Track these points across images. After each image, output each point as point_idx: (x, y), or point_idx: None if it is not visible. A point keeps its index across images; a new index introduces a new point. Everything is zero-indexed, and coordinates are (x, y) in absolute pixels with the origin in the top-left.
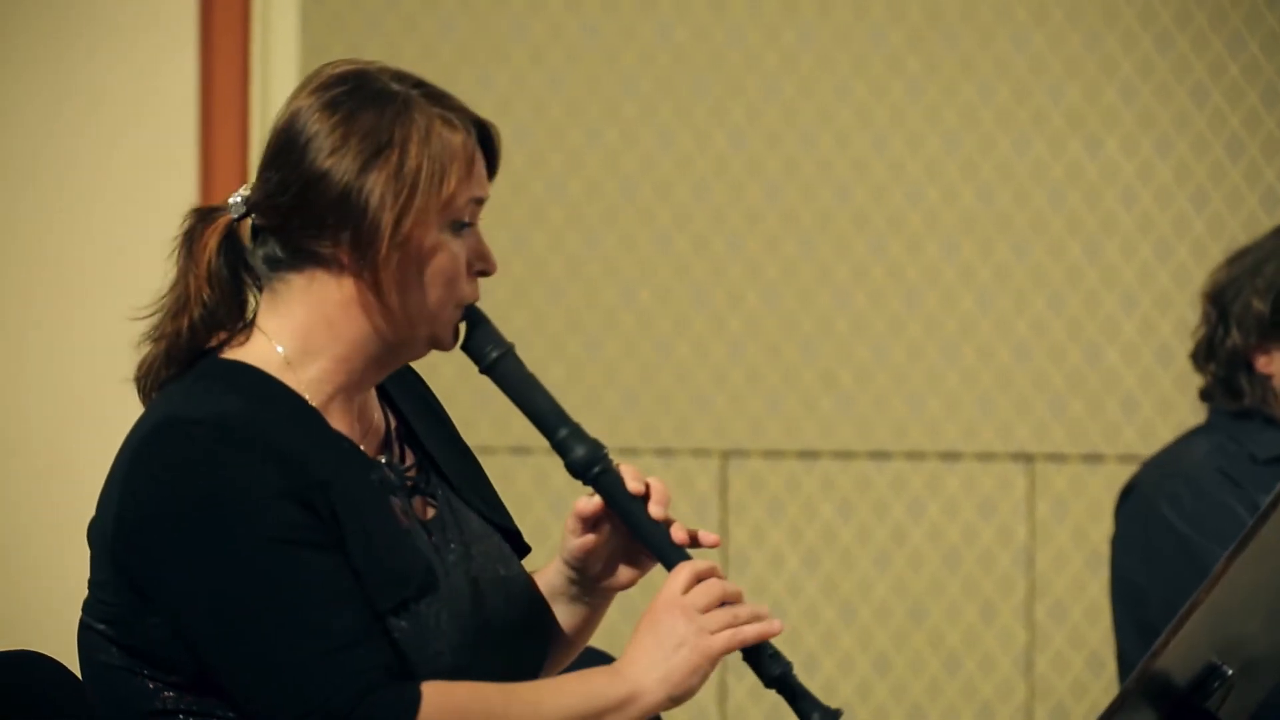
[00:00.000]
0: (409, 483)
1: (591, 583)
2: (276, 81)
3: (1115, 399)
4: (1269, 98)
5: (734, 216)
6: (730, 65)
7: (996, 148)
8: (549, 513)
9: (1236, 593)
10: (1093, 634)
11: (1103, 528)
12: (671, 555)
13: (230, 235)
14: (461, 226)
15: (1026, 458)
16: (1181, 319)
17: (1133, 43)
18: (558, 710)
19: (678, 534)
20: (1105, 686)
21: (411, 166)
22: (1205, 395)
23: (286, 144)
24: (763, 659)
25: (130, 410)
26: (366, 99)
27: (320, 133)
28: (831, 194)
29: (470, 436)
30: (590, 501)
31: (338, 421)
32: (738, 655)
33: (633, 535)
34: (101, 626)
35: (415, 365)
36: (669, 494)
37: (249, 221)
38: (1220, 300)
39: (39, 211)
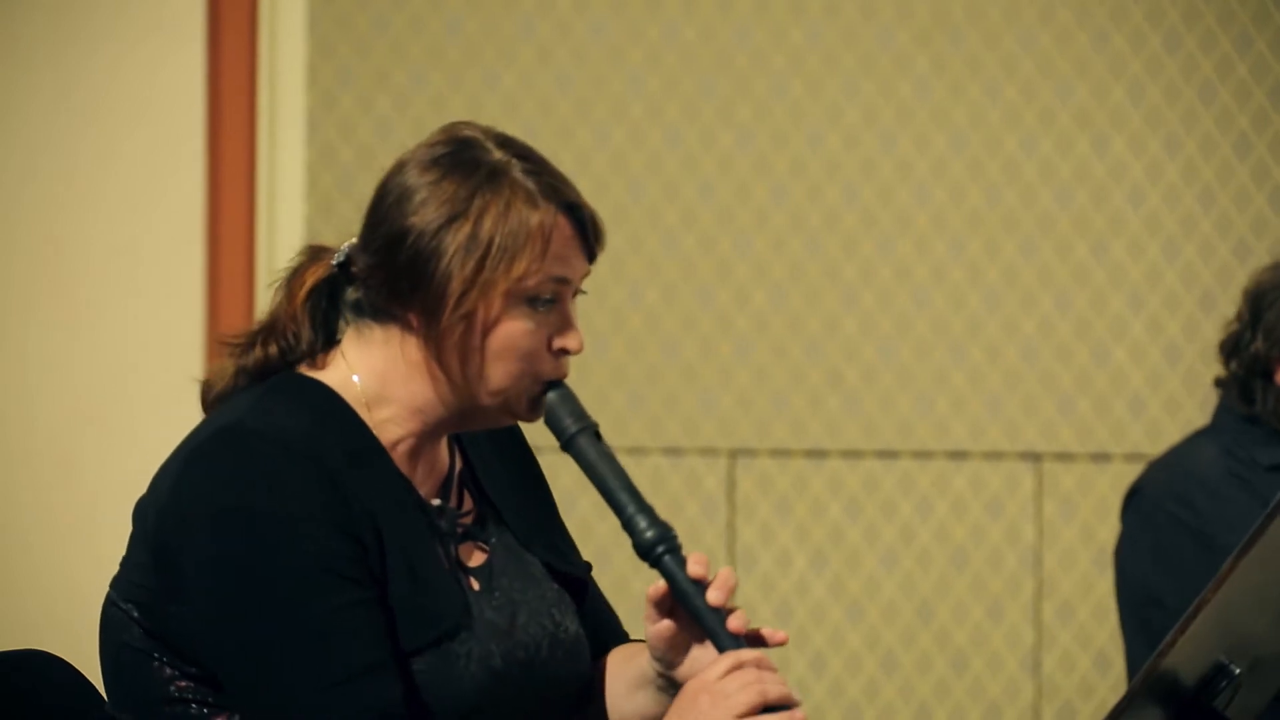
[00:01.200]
0: (460, 529)
1: (674, 675)
2: (284, 82)
3: (1123, 398)
4: (1276, 97)
5: (741, 216)
6: (737, 65)
7: (1004, 147)
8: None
9: (1245, 591)
10: (1100, 633)
11: (1111, 527)
12: (724, 642)
13: (331, 278)
14: (541, 303)
15: (1034, 457)
16: (1189, 318)
17: (1140, 42)
18: None
19: (734, 622)
20: (1112, 686)
21: (484, 239)
22: (1221, 385)
23: (383, 192)
24: None
25: (138, 410)
26: (461, 162)
27: (411, 188)
28: (839, 194)
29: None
30: (659, 586)
31: (399, 460)
32: None
33: (690, 619)
34: (128, 606)
35: None
36: (734, 582)
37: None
38: (1257, 303)
39: (45, 211)
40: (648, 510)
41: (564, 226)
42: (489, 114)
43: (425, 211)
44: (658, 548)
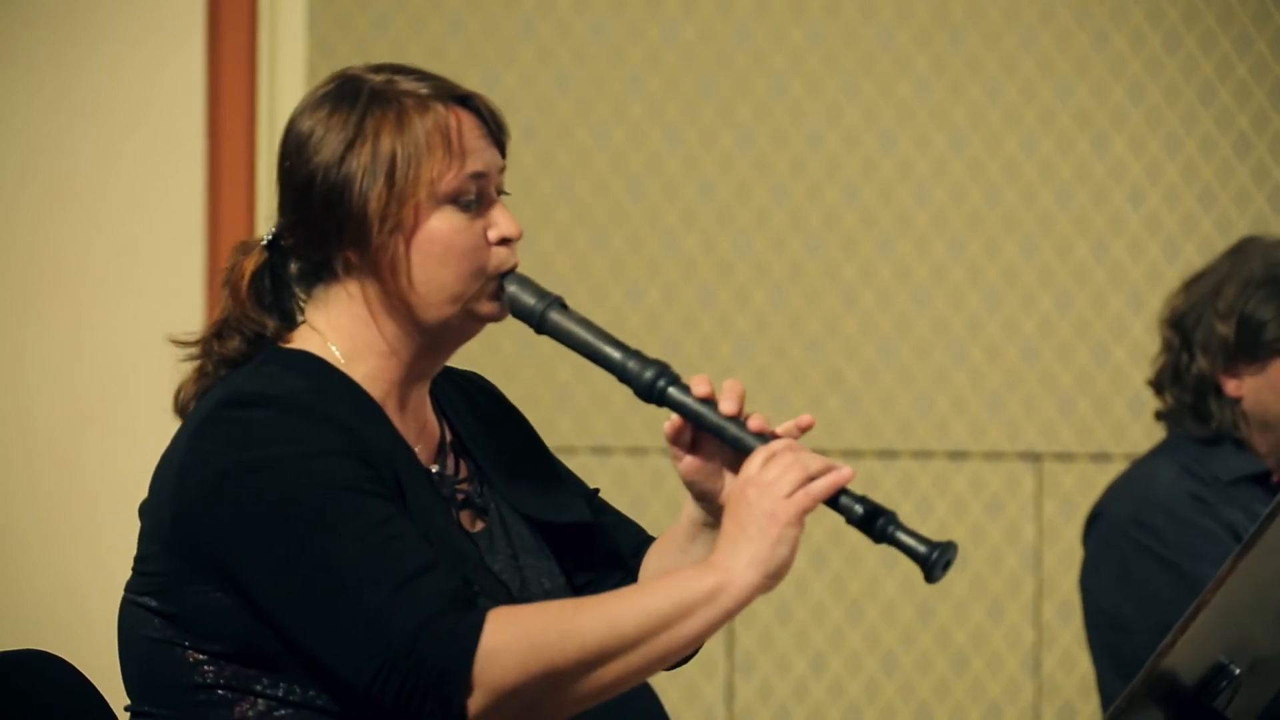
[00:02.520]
0: (459, 495)
1: (722, 503)
2: (284, 82)
3: (1123, 398)
4: (1276, 97)
5: (741, 216)
6: (738, 65)
7: (1004, 147)
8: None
9: (1244, 592)
10: None
11: None
12: (750, 441)
13: (266, 267)
14: (468, 203)
15: (1034, 457)
16: None
17: (1140, 42)
18: (637, 614)
19: (754, 423)
20: None
21: (386, 152)
22: (1166, 418)
23: (282, 153)
24: (851, 512)
25: (138, 410)
26: (345, 94)
27: (303, 133)
28: (839, 193)
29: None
30: (673, 422)
31: (393, 417)
32: (738, 651)
33: (713, 438)
34: (145, 599)
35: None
36: (742, 389)
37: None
38: (1182, 326)
39: (45, 211)
40: (636, 354)
41: (463, 120)
42: None
43: (322, 148)
44: (658, 382)
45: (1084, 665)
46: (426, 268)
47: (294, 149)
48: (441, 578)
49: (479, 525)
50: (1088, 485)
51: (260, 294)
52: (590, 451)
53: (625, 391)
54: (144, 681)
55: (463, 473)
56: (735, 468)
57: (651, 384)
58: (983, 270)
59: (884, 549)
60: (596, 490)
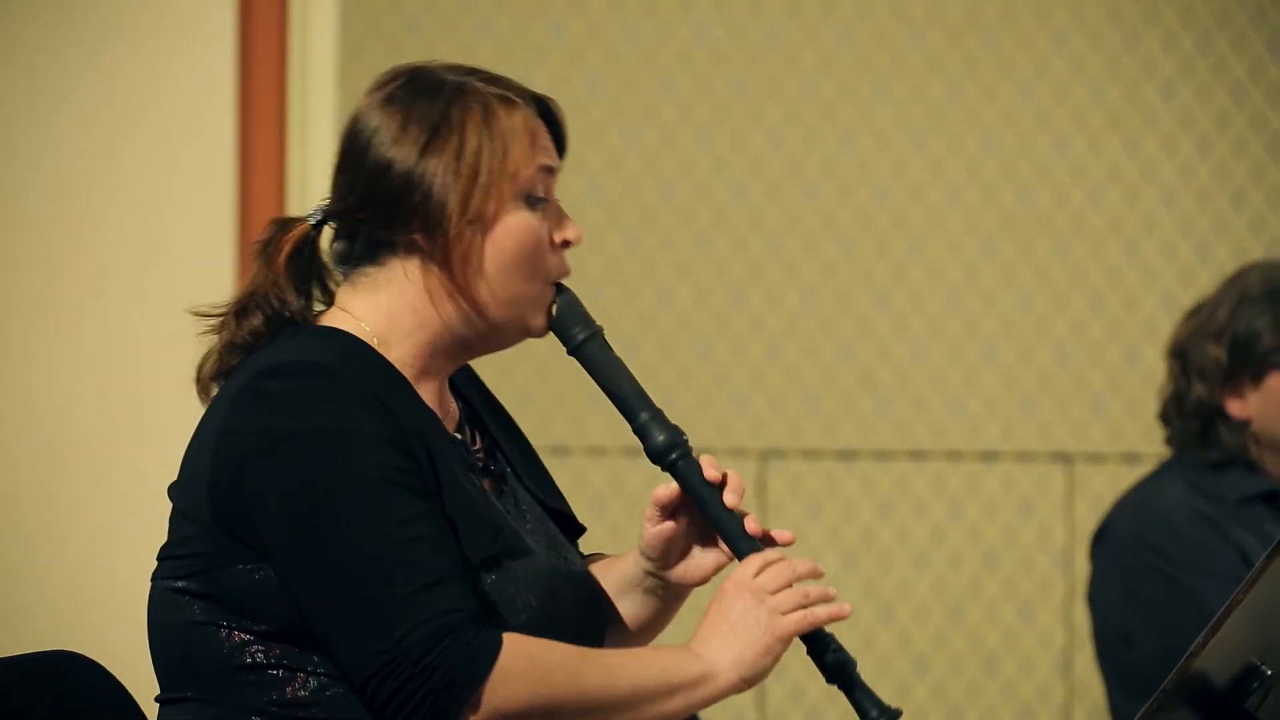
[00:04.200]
0: (480, 464)
1: (667, 576)
2: (315, 83)
3: (1155, 399)
4: None
5: (772, 217)
6: (768, 65)
7: (1036, 148)
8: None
9: (1276, 594)
10: None
11: None
12: (743, 544)
13: (307, 244)
14: (536, 201)
15: (1066, 458)
16: None
17: (1173, 43)
18: (632, 678)
19: (751, 526)
20: None
21: (472, 145)
22: (1175, 446)
23: (350, 144)
24: (825, 650)
25: (169, 410)
26: (421, 90)
27: (380, 127)
28: (870, 194)
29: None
30: (668, 489)
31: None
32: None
33: (707, 523)
34: (182, 583)
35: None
36: (745, 486)
37: (326, 232)
38: (1182, 356)
39: (77, 212)
40: (659, 416)
41: (537, 120)
42: None
43: (404, 139)
44: (671, 453)
45: None
46: (498, 263)
47: (365, 143)
48: (462, 591)
49: (501, 493)
50: (1119, 486)
51: (297, 269)
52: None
53: (654, 391)
54: (183, 667)
55: (478, 444)
56: (708, 555)
57: (664, 451)
58: (1015, 271)
59: (916, 550)
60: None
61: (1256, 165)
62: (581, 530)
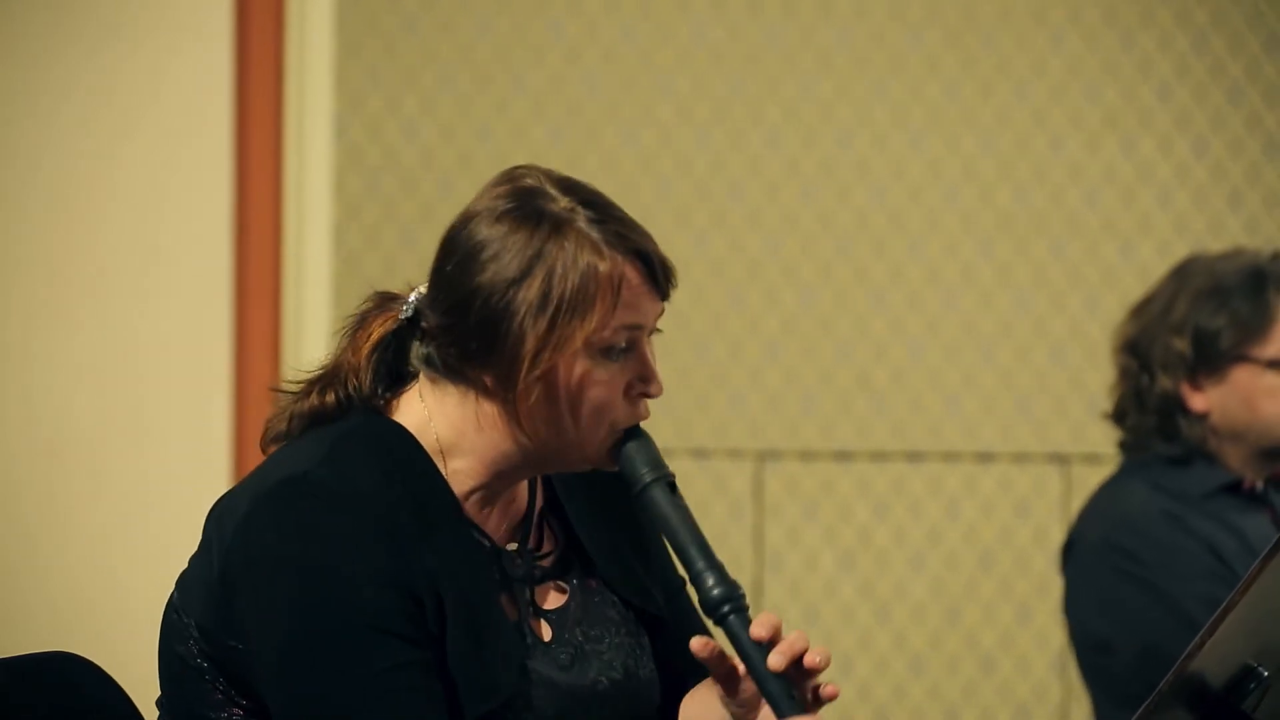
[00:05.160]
0: (537, 571)
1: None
2: (311, 83)
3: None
4: None
5: (770, 217)
6: (766, 66)
7: (1033, 148)
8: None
9: (1273, 594)
10: None
11: None
12: (784, 707)
13: (399, 330)
14: (618, 352)
15: (1062, 459)
16: None
17: (1168, 44)
18: None
19: (802, 690)
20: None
21: (554, 295)
22: (1131, 448)
23: (451, 248)
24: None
25: (167, 413)
26: (526, 215)
27: (479, 244)
28: (868, 194)
29: None
30: (701, 642)
31: (473, 508)
32: None
33: (753, 682)
34: (189, 621)
35: None
36: (803, 648)
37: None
38: (1137, 350)
39: (73, 213)
40: (717, 567)
41: (632, 274)
42: (517, 115)
43: (493, 269)
44: (723, 606)
45: None
46: (561, 415)
47: (463, 257)
48: None
49: (559, 600)
50: None
51: (380, 359)
52: None
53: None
54: (175, 696)
55: (547, 545)
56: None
57: (718, 604)
58: (1011, 271)
59: (913, 551)
60: (684, 582)
61: (1253, 166)
62: (663, 630)
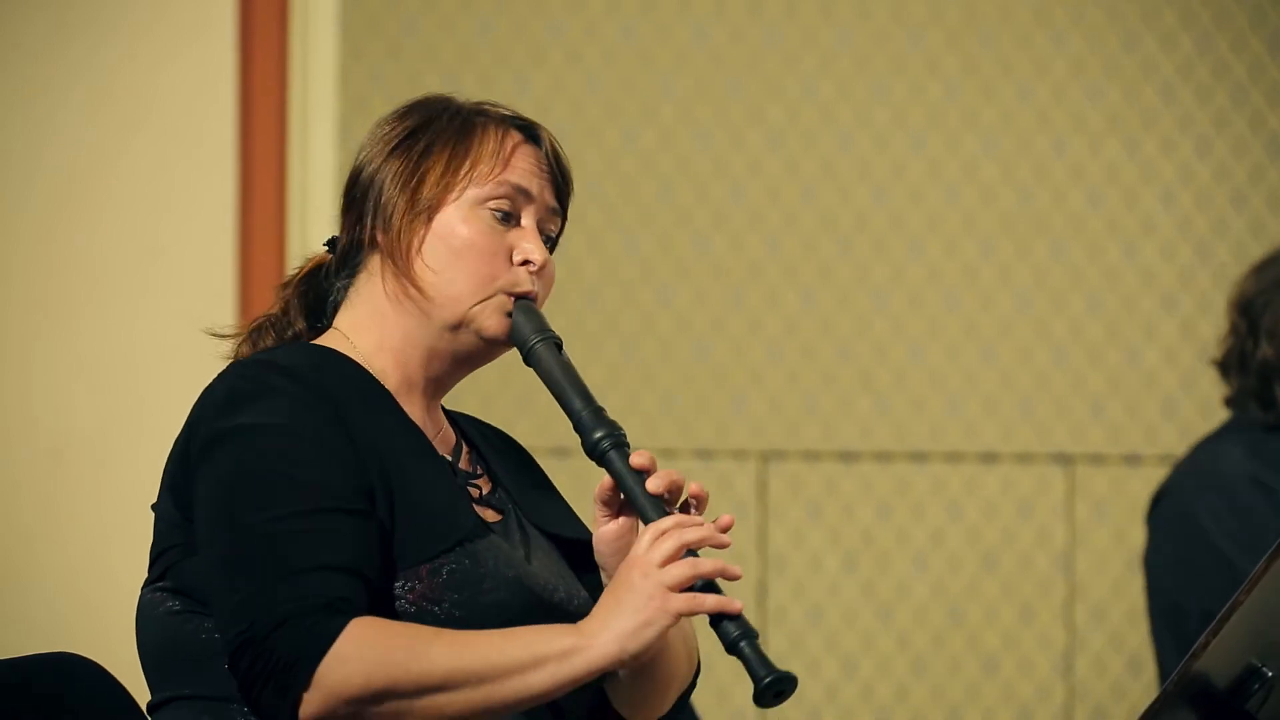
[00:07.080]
0: (475, 489)
1: None
2: (315, 84)
3: (1155, 400)
4: None
5: (771, 217)
6: (767, 66)
7: (1035, 148)
8: (587, 517)
9: (1277, 594)
10: (1132, 636)
11: (1142, 529)
12: (650, 514)
13: (324, 266)
14: (502, 216)
15: (1065, 459)
16: (1221, 320)
17: (1172, 44)
18: (486, 652)
19: (654, 485)
20: (1145, 688)
21: (435, 148)
22: (1233, 404)
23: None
24: (722, 621)
25: (170, 411)
26: (418, 107)
27: (367, 141)
28: (869, 195)
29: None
30: (605, 482)
31: (410, 411)
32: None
33: (633, 509)
34: (162, 582)
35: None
36: (678, 478)
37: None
38: (1249, 311)
39: (77, 212)
40: (597, 411)
41: (520, 143)
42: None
43: (375, 145)
44: (603, 443)
45: (1115, 668)
46: (440, 257)
47: (359, 150)
48: (342, 579)
49: (494, 517)
50: (1119, 487)
51: (305, 292)
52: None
53: (654, 392)
54: (166, 664)
55: (481, 474)
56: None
57: (596, 442)
58: (1013, 272)
59: (916, 551)
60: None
61: (1256, 166)
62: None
